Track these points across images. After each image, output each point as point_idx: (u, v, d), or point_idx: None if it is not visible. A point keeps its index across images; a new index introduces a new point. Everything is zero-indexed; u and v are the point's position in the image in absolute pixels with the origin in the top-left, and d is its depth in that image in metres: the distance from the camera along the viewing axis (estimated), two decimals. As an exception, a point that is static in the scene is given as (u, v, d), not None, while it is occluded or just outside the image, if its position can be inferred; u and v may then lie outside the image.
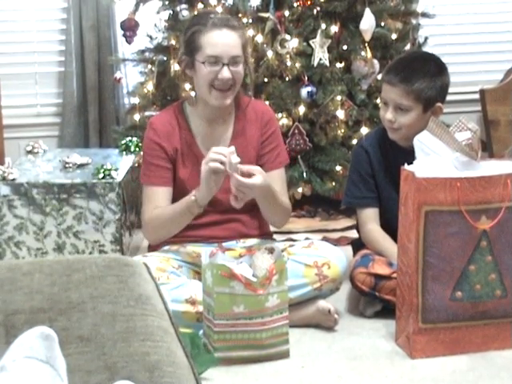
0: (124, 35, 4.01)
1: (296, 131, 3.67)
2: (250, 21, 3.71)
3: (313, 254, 2.76)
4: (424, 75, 2.82)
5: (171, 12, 3.91)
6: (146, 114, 3.97)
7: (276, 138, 2.93)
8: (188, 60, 2.78)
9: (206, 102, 2.80)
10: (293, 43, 3.67)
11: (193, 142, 2.85)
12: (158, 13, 3.95)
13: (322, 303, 2.75)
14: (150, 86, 3.88)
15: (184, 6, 3.82)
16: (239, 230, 2.88)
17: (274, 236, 3.10)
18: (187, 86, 3.45)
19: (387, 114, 2.85)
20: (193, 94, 3.03)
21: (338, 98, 3.71)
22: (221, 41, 2.71)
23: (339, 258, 2.78)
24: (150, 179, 2.82)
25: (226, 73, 2.70)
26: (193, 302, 2.62)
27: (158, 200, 2.80)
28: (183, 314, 2.59)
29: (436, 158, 2.53)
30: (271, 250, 2.58)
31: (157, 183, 2.81)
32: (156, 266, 2.62)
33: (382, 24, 3.83)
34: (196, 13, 2.94)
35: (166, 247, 2.85)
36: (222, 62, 2.71)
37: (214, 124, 2.86)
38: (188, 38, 2.77)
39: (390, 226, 2.83)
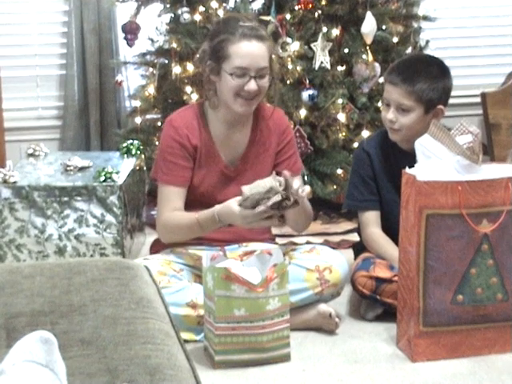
0: (125, 38, 4.01)
1: (297, 134, 3.67)
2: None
3: (314, 259, 2.75)
4: (426, 77, 2.82)
5: (172, 15, 3.92)
6: (147, 117, 3.97)
7: (292, 145, 2.93)
8: (214, 66, 2.74)
9: (228, 107, 2.78)
10: (294, 46, 3.68)
11: (211, 144, 2.83)
12: (159, 16, 3.96)
13: (323, 307, 2.74)
14: (151, 89, 3.88)
15: (185, 9, 3.83)
16: (243, 235, 2.86)
17: (277, 239, 3.10)
18: (188, 89, 3.44)
19: (388, 114, 2.86)
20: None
21: (340, 101, 3.71)
22: (250, 52, 2.68)
23: (341, 263, 2.77)
24: (169, 178, 2.79)
25: (252, 85, 2.69)
26: (193, 306, 2.62)
27: (175, 201, 2.77)
28: (184, 317, 2.59)
29: (437, 161, 2.53)
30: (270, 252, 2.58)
31: (175, 183, 2.78)
32: (157, 270, 2.62)
33: (384, 27, 3.84)
34: (224, 18, 2.86)
35: (168, 250, 2.85)
36: (250, 75, 2.68)
37: (232, 128, 2.84)
38: (215, 44, 2.73)
39: (391, 229, 2.82)
